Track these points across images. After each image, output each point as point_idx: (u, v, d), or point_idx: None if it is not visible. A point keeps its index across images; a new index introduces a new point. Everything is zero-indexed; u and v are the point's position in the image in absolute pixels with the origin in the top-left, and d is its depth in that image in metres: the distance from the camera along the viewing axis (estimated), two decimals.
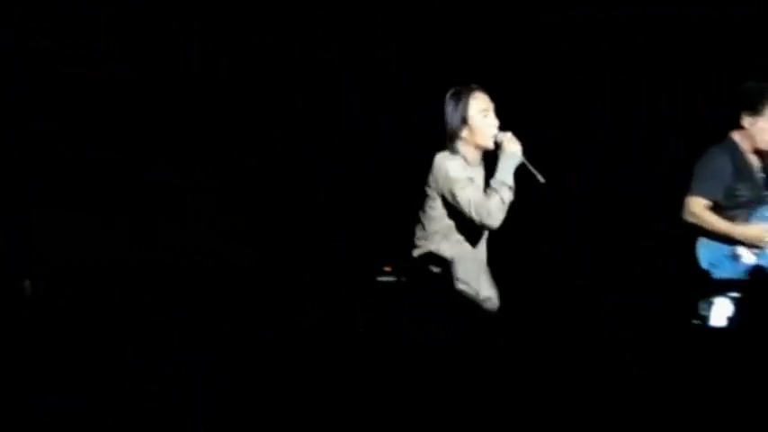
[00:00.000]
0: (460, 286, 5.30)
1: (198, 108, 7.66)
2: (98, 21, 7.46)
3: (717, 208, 5.91)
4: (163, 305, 6.76)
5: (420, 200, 5.29)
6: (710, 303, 5.79)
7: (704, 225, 5.90)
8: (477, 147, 5.29)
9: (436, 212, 5.25)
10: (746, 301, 5.71)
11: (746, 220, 5.94)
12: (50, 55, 7.34)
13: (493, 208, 5.12)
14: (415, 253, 5.32)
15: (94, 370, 5.01)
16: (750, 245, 5.90)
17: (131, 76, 7.53)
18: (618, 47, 7.47)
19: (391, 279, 7.29)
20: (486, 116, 5.29)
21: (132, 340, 5.28)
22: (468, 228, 5.21)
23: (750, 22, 7.35)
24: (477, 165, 5.32)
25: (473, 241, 5.31)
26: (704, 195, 5.89)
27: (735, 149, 5.98)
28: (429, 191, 5.26)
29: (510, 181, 5.18)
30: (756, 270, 5.89)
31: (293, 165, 7.82)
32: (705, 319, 5.76)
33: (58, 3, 7.33)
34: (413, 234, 5.34)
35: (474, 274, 5.33)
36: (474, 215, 5.12)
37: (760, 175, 6.02)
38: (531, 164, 5.20)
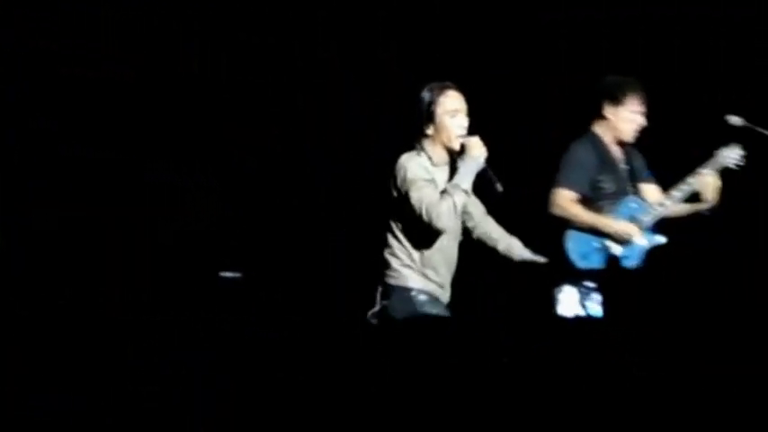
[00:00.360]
0: (429, 287, 5.28)
1: (198, 108, 7.65)
2: (98, 21, 7.45)
3: (583, 200, 5.90)
4: (163, 305, 6.76)
5: (386, 200, 5.28)
6: (558, 292, 5.80)
7: (571, 217, 5.87)
8: (443, 146, 5.27)
9: (401, 212, 5.23)
10: (603, 291, 5.71)
11: (612, 211, 5.93)
12: (50, 55, 7.33)
13: (443, 211, 5.09)
14: (386, 253, 5.30)
15: (94, 370, 5.01)
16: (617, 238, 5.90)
17: (131, 76, 7.52)
18: (618, 47, 7.46)
19: (235, 275, 7.30)
20: (454, 116, 5.24)
21: (132, 340, 5.28)
22: (434, 228, 5.17)
23: (750, 22, 7.35)
24: (443, 164, 5.29)
25: (442, 241, 5.28)
26: (570, 188, 5.88)
27: (597, 142, 5.99)
28: (393, 191, 5.24)
29: (465, 185, 5.14)
30: (613, 260, 5.87)
31: (293, 165, 7.82)
32: (554, 307, 5.78)
33: (58, 3, 7.33)
34: (383, 234, 5.33)
35: (444, 275, 5.32)
36: (424, 215, 5.10)
37: (623, 166, 6.03)
38: (493, 171, 5.19)
